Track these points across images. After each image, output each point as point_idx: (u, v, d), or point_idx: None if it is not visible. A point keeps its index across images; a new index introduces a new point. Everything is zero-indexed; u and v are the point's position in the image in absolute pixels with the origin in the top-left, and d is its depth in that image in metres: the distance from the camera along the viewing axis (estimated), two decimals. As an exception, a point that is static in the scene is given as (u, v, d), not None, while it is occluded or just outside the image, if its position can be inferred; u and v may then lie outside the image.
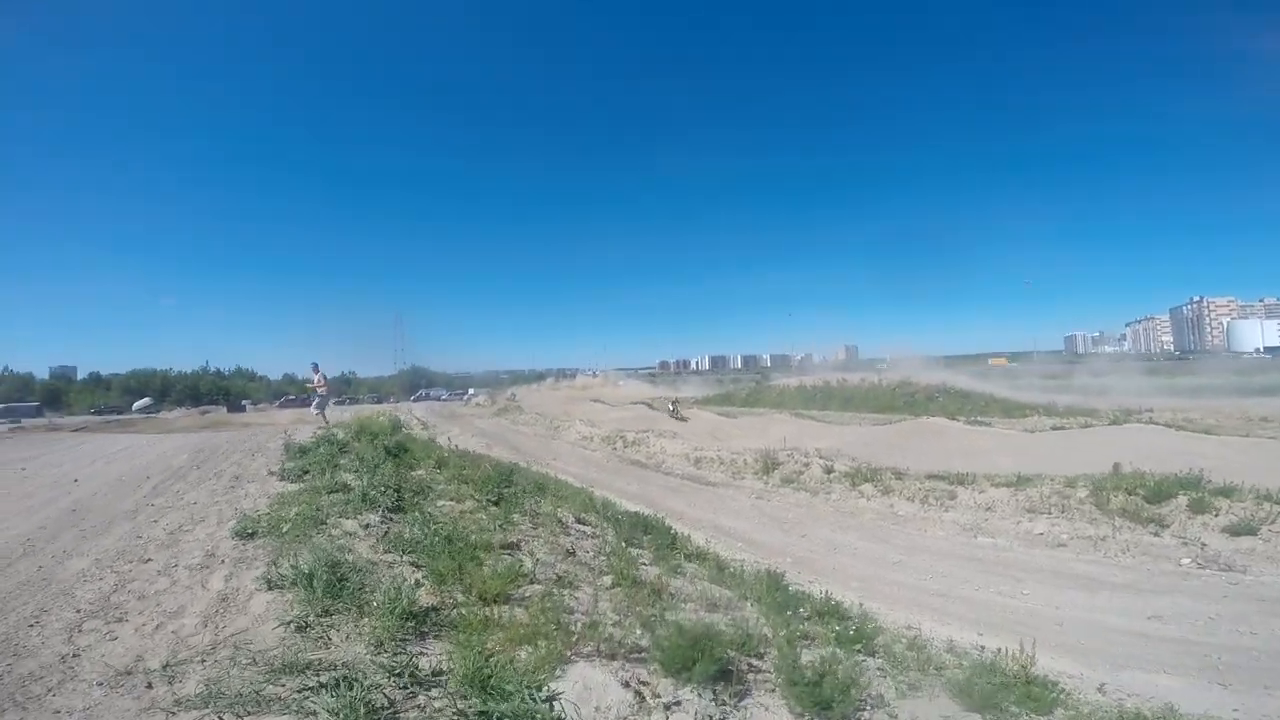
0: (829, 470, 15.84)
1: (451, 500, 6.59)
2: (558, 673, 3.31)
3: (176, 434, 22.46)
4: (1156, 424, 21.49)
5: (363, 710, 2.62)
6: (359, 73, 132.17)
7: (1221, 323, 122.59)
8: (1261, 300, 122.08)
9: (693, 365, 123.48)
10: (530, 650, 3.46)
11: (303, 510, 5.70)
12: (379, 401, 64.11)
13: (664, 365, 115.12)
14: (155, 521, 6.13)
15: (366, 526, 5.42)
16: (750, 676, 3.94)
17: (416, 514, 5.69)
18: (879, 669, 4.64)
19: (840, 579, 9.11)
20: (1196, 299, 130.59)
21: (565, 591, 4.67)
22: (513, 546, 5.49)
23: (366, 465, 7.00)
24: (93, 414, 54.19)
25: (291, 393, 63.54)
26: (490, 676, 3.00)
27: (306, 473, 7.35)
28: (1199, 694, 5.64)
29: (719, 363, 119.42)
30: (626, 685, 3.36)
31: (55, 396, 63.53)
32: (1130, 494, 11.15)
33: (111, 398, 64.80)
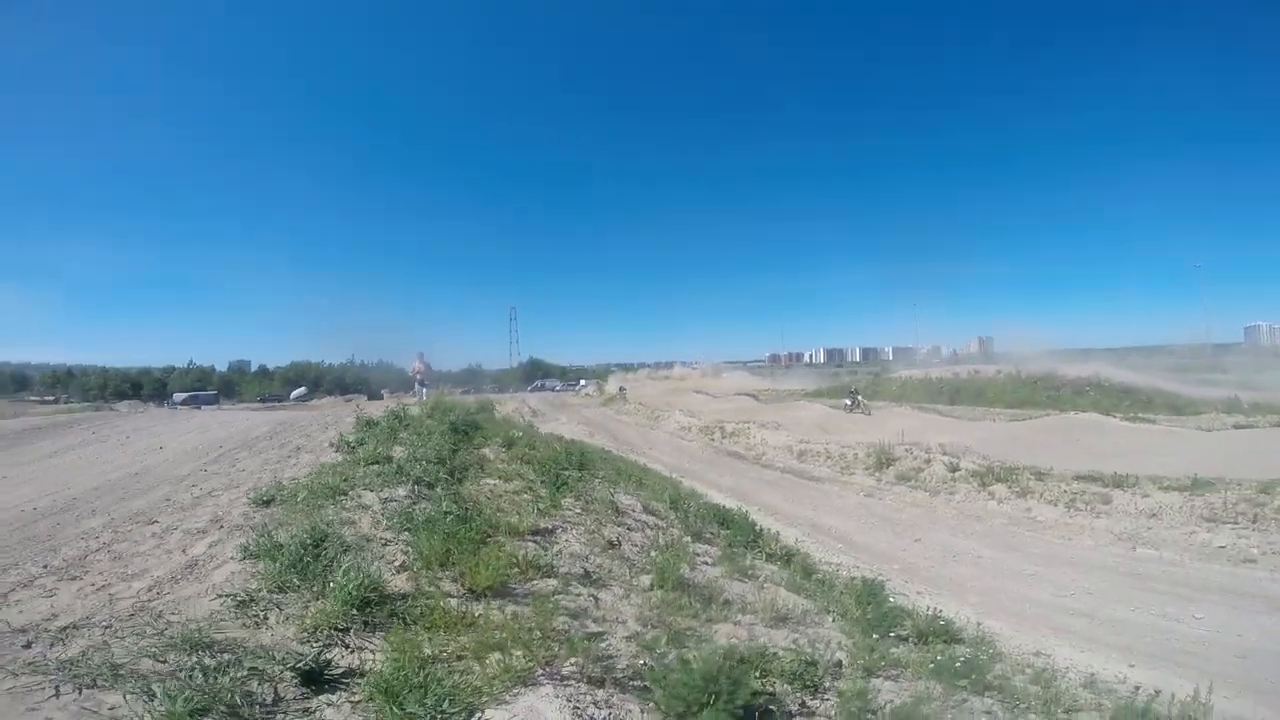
0: (953, 468, 14.17)
1: (499, 479, 6.24)
2: (511, 695, 2.69)
3: (280, 411, 24.79)
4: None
5: (221, 704, 2.28)
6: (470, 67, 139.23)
7: None
8: None
9: (806, 358, 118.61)
10: (497, 660, 2.90)
11: (331, 480, 5.57)
12: (500, 391, 67.44)
13: (774, 358, 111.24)
14: (195, 486, 6.37)
15: (387, 501, 5.15)
16: (797, 722, 3.13)
17: (440, 490, 5.36)
18: (987, 712, 3.68)
19: (956, 592, 7.89)
20: None
21: (585, 590, 4.08)
22: (545, 533, 4.99)
23: (422, 440, 6.86)
24: (259, 401, 61.47)
25: (428, 383, 68.42)
26: (418, 687, 2.48)
27: (363, 444, 7.37)
28: None
29: (835, 355, 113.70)
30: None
31: (230, 386, 72.67)
32: (1351, 505, 8.88)
33: (274, 387, 73.01)
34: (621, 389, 50.77)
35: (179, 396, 58.15)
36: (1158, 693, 4.06)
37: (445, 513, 4.59)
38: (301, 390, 70.40)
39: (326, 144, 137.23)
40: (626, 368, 79.50)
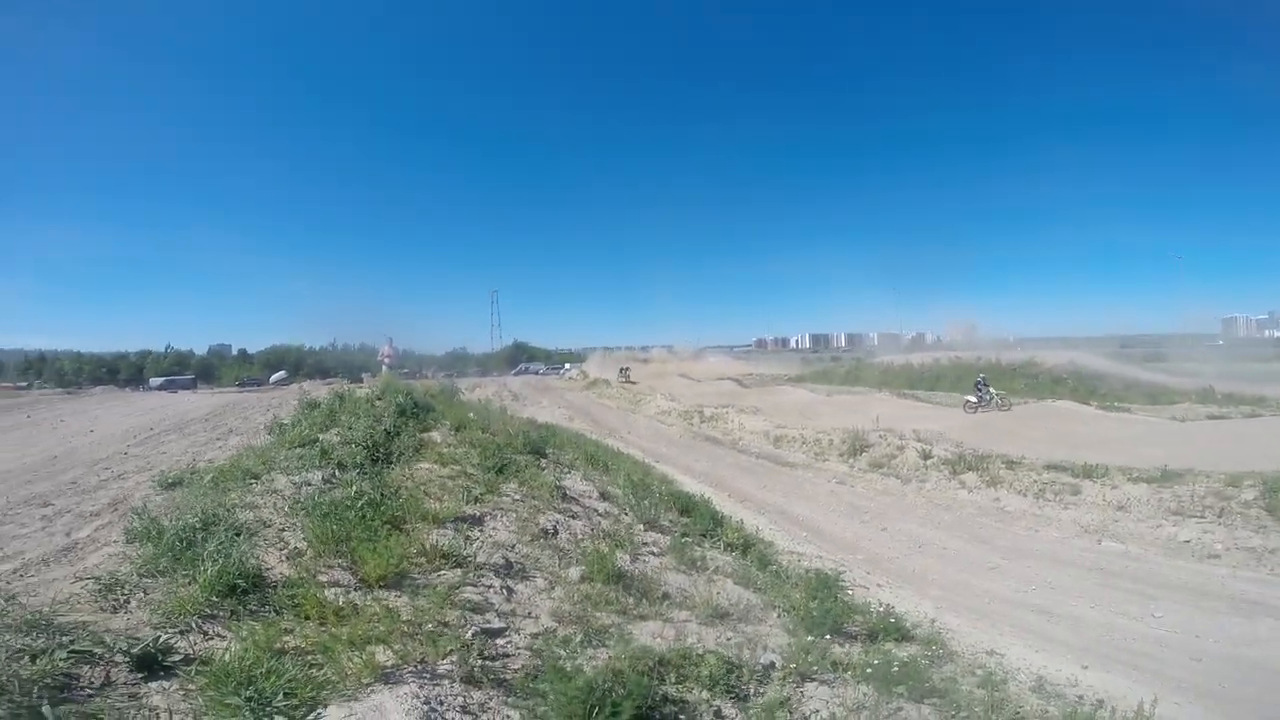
0: (926, 455, 14.05)
1: (437, 463, 5.97)
2: (365, 693, 2.50)
3: (232, 393, 24.75)
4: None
5: (43, 685, 2.22)
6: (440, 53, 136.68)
7: None
8: None
9: (792, 343, 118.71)
10: (363, 655, 2.68)
11: (248, 464, 5.35)
12: (483, 375, 66.94)
13: (760, 342, 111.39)
14: (108, 469, 6.17)
15: (301, 485, 4.89)
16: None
17: (357, 474, 5.10)
18: (924, 721, 3.47)
19: (918, 585, 7.73)
20: None
21: (498, 582, 3.83)
22: (472, 520, 4.72)
23: (361, 424, 6.57)
24: (237, 385, 60.60)
25: (408, 367, 67.82)
26: (261, 678, 2.35)
27: (295, 427, 7.08)
28: None
29: (820, 341, 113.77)
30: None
31: (209, 370, 71.59)
32: (1319, 498, 8.80)
33: (254, 371, 71.96)
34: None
35: (155, 381, 57.31)
36: (1101, 702, 3.87)
37: (357, 497, 4.33)
38: (281, 374, 69.44)
39: (307, 127, 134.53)
40: (609, 351, 79.11)
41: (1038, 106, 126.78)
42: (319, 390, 15.47)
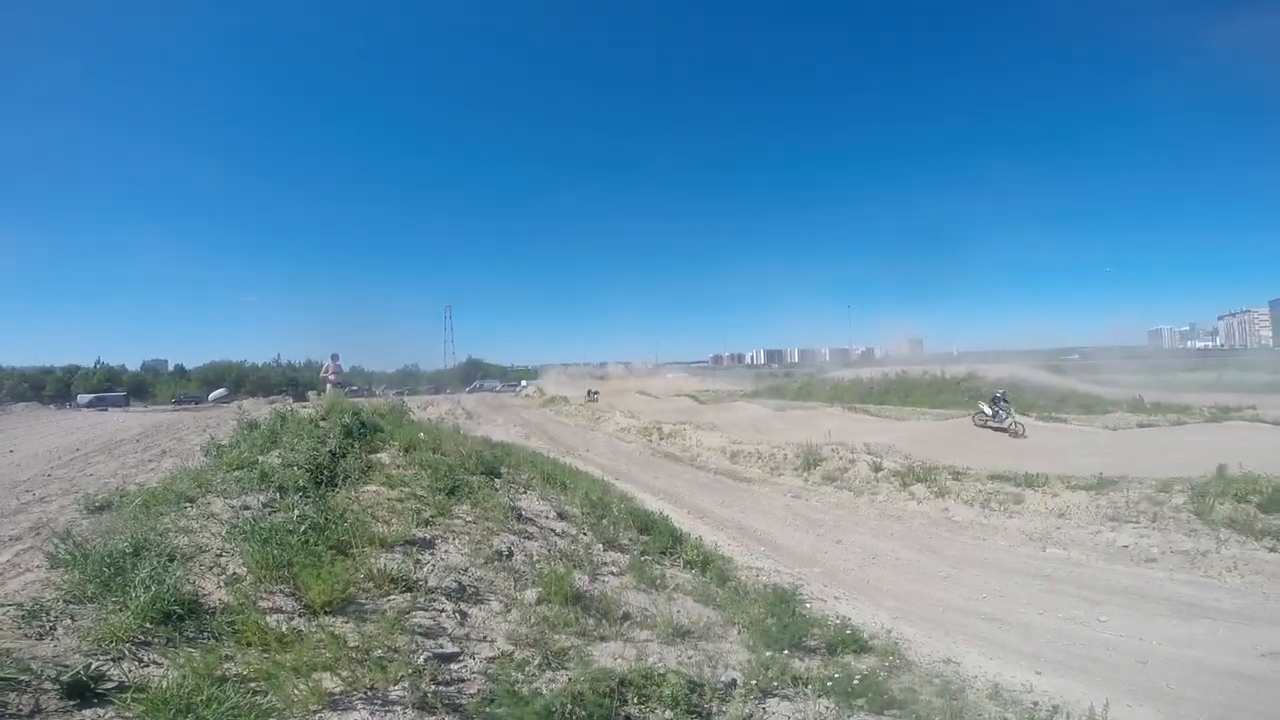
0: (876, 468, 14.32)
1: (384, 485, 5.74)
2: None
3: (167, 411, 23.78)
4: (1264, 422, 18.84)
5: None
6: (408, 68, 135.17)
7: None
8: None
9: (747, 359, 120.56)
10: (308, 682, 2.55)
11: (182, 486, 5.08)
12: (436, 392, 65.50)
13: (716, 359, 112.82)
14: (30, 492, 5.77)
15: (240, 509, 4.63)
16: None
17: (298, 498, 4.86)
18: (885, 733, 3.47)
19: (874, 596, 7.81)
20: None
21: (450, 606, 3.68)
22: (421, 544, 4.54)
23: (303, 444, 6.28)
24: (173, 403, 57.61)
25: (356, 384, 65.79)
26: (200, 705, 2.27)
27: (234, 448, 6.73)
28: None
29: (774, 356, 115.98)
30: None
31: (142, 387, 67.97)
32: (1240, 501, 9.28)
33: (191, 388, 68.69)
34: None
35: (83, 398, 54.17)
36: (1056, 708, 3.94)
37: (299, 521, 4.11)
38: (221, 391, 66.45)
39: (252, 132, 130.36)
40: (566, 366, 78.45)
41: (975, 122, 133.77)
42: (260, 409, 14.79)
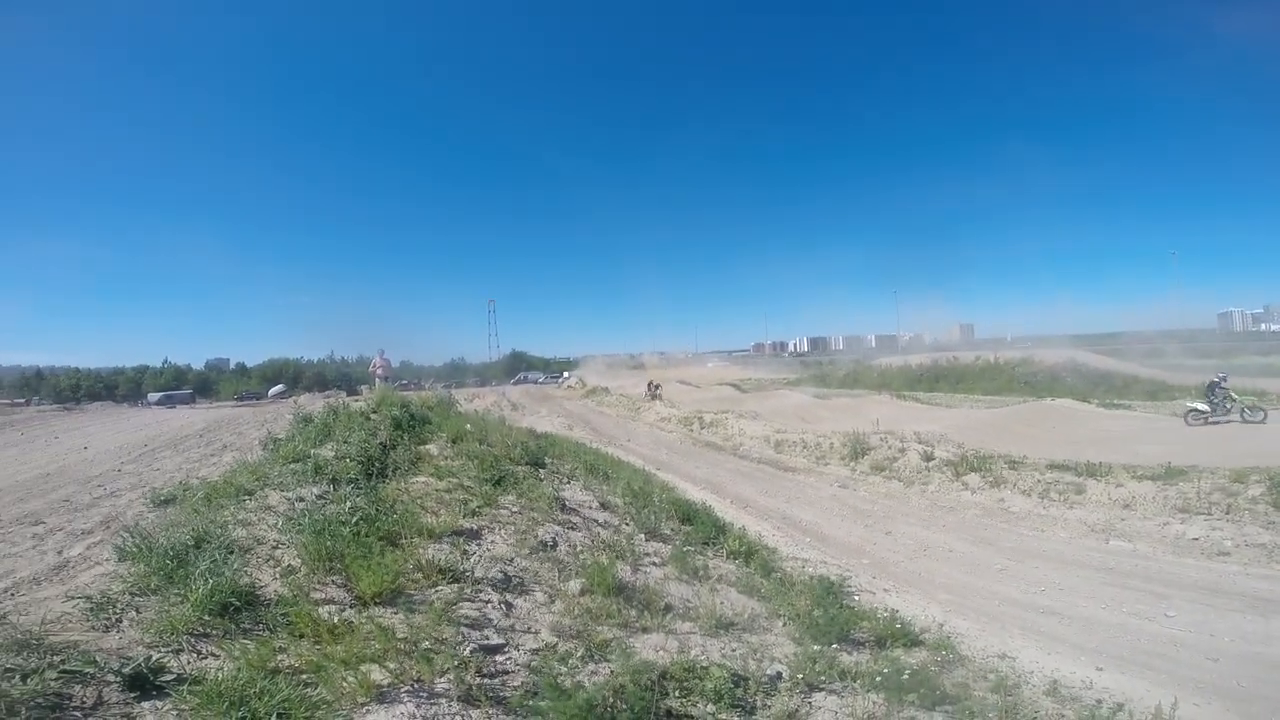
0: (928, 457, 13.93)
1: (433, 477, 5.86)
2: (360, 712, 2.45)
3: (229, 407, 25.06)
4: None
5: (34, 705, 2.23)
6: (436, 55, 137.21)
7: None
8: None
9: (790, 347, 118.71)
10: (357, 676, 2.60)
11: (241, 480, 5.27)
12: (482, 385, 66.82)
13: (758, 347, 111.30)
14: (101, 486, 6.13)
15: (295, 501, 4.79)
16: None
17: (351, 490, 5.00)
18: (938, 730, 3.37)
19: (925, 589, 7.61)
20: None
21: (496, 597, 3.73)
22: (469, 534, 4.62)
23: (356, 437, 6.48)
24: (235, 399, 60.37)
25: (406, 378, 67.72)
26: (254, 698, 2.32)
27: (290, 442, 6.99)
28: None
29: (818, 344, 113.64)
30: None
31: (206, 384, 71.38)
32: (1325, 492, 8.71)
33: (252, 385, 71.74)
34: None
35: (153, 396, 57.12)
36: (1120, 705, 3.76)
37: (351, 513, 4.24)
38: (280, 387, 69.21)
39: (303, 138, 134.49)
40: (613, 360, 78.68)
41: (1027, 104, 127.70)
42: (315, 403, 15.35)
